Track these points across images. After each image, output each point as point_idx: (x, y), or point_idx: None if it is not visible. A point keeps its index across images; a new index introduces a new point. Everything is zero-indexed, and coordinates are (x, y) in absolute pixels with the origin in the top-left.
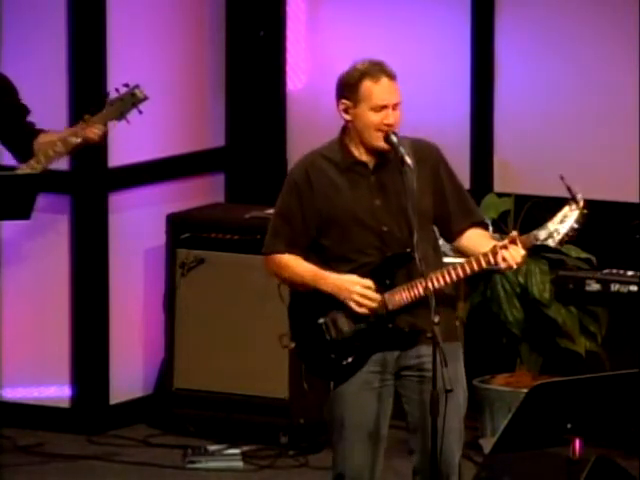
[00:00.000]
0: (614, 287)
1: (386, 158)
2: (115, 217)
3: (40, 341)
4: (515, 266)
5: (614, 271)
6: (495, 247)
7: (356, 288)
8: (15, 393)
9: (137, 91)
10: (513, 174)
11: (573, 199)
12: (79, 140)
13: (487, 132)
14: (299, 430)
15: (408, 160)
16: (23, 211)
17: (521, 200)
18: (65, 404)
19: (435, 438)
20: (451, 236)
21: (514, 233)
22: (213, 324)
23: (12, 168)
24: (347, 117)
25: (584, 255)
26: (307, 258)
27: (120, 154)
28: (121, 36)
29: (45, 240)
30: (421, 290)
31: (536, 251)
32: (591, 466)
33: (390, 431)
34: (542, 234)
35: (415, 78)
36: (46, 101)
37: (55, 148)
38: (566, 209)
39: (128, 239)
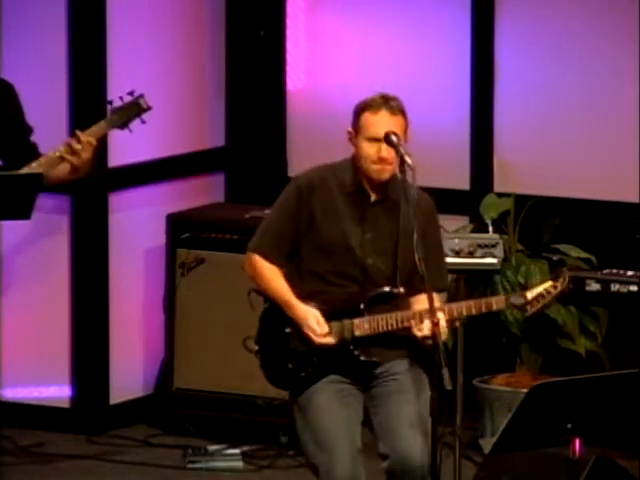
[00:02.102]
0: (614, 287)
1: (387, 194)
2: (115, 217)
3: (40, 341)
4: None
5: (614, 271)
6: (422, 315)
7: (311, 324)
8: (15, 393)
9: (141, 101)
10: (513, 174)
11: (559, 278)
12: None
13: (487, 132)
14: None
15: (408, 160)
16: (23, 211)
17: (521, 200)
18: (65, 404)
19: (435, 439)
20: (411, 290)
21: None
22: (213, 324)
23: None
24: (352, 145)
25: (584, 255)
26: (285, 265)
27: (120, 154)
28: (121, 37)
29: (45, 240)
30: (387, 326)
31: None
32: (591, 466)
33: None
34: (519, 301)
35: (415, 78)
36: (46, 104)
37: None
38: (549, 285)
39: (128, 239)
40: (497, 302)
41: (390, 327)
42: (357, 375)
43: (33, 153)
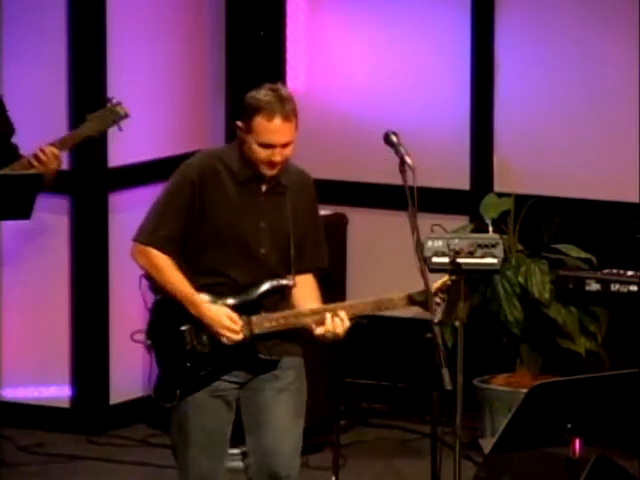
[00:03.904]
0: (614, 287)
1: (278, 181)
2: (115, 217)
3: (40, 341)
4: (331, 336)
5: (614, 271)
6: (324, 312)
7: (223, 331)
8: (15, 393)
9: (119, 108)
10: (513, 174)
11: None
12: (33, 162)
13: (487, 132)
14: None
15: (408, 160)
16: (23, 211)
17: (521, 200)
18: (65, 404)
19: (435, 439)
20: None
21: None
22: None
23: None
24: (239, 137)
25: (584, 255)
26: (177, 256)
27: (120, 154)
28: (121, 36)
29: (45, 240)
30: (286, 324)
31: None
32: (591, 466)
33: (389, 431)
34: (420, 297)
35: (415, 77)
36: (46, 103)
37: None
38: (447, 279)
39: (128, 239)
40: (399, 300)
41: (290, 325)
42: (256, 371)
43: (13, 155)
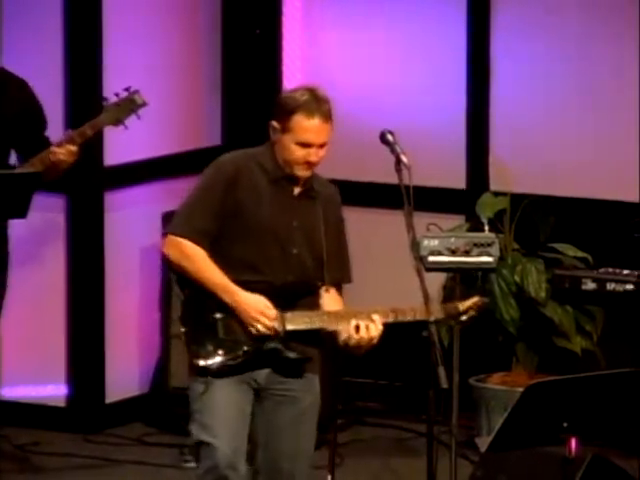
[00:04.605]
0: (610, 286)
1: (311, 185)
2: (111, 216)
3: (36, 340)
4: (366, 342)
5: (610, 270)
6: (359, 315)
7: (258, 317)
8: (11, 392)
9: (136, 96)
10: (509, 173)
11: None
12: (52, 160)
13: (483, 131)
14: None
15: (404, 159)
16: (19, 210)
17: (517, 199)
18: (61, 403)
19: (431, 438)
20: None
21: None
22: None
23: (8, 167)
24: (273, 138)
25: (580, 254)
26: (210, 251)
27: (116, 153)
28: (117, 35)
29: (41, 239)
30: (321, 323)
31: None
32: (587, 465)
33: (385, 430)
34: (454, 311)
35: (411, 77)
36: (43, 99)
37: (33, 167)
38: (478, 300)
39: (124, 238)
40: (434, 310)
41: (324, 325)
42: (283, 371)
43: (46, 148)
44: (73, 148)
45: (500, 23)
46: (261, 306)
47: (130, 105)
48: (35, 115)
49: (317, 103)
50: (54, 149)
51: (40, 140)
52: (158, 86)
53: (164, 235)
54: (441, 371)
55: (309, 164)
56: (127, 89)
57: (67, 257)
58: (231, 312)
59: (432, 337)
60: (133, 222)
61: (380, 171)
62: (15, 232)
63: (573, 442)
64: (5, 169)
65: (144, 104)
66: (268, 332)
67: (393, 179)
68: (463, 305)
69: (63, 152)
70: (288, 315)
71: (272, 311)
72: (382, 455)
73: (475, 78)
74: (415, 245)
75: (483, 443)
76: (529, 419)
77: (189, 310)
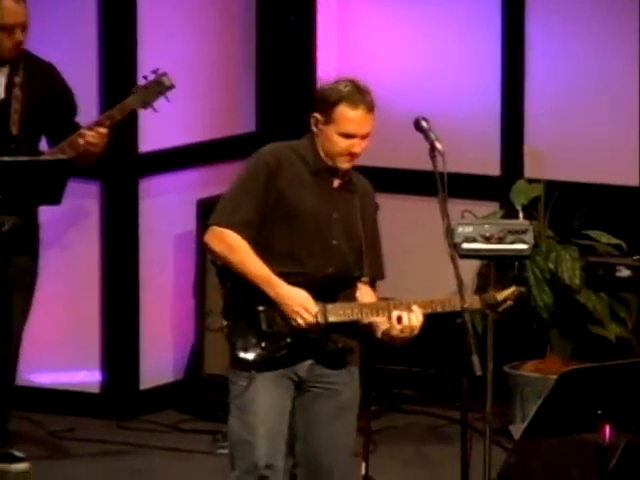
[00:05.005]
0: None
1: (350, 178)
2: (145, 203)
3: (71, 326)
4: (408, 333)
5: None
6: (400, 306)
7: (300, 310)
8: (45, 378)
9: (164, 79)
10: (543, 160)
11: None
12: (81, 143)
13: (518, 117)
14: None
15: (439, 146)
16: (54, 196)
17: (551, 186)
18: (95, 389)
19: (465, 425)
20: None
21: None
22: None
23: (38, 153)
24: (315, 130)
25: (614, 241)
26: (252, 243)
27: (151, 140)
28: (152, 22)
29: (75, 226)
30: (361, 315)
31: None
32: (621, 452)
33: (419, 417)
34: (492, 300)
35: (445, 63)
36: (77, 85)
37: (63, 152)
38: (515, 289)
39: (158, 225)
40: (471, 301)
41: (365, 316)
42: (326, 362)
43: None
44: (103, 130)
45: (535, 7)
46: (303, 300)
47: (158, 87)
48: (64, 100)
49: (360, 94)
50: (83, 131)
51: (70, 125)
52: (193, 73)
53: (207, 226)
54: (475, 359)
55: (352, 155)
56: (155, 71)
57: (101, 244)
58: (273, 304)
59: (466, 325)
60: (167, 209)
61: (414, 158)
62: (49, 218)
63: (607, 429)
64: (35, 155)
65: (172, 86)
66: (308, 326)
67: (427, 166)
68: (501, 295)
69: (92, 134)
70: (329, 307)
71: (313, 305)
72: (416, 442)
73: (510, 64)
74: (449, 232)
75: (517, 430)
76: (563, 406)
77: (231, 303)
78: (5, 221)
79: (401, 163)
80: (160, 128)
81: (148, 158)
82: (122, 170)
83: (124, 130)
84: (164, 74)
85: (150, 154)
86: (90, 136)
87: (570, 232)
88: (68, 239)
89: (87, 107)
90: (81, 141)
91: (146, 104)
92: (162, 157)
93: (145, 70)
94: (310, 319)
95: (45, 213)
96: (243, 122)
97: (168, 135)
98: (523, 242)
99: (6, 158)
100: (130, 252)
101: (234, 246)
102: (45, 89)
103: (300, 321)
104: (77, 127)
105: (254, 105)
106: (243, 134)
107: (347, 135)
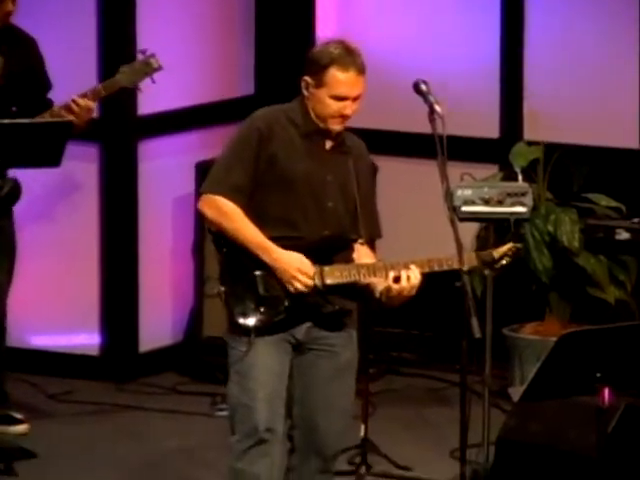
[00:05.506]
0: None
1: (343, 139)
2: (144, 165)
3: (70, 289)
4: (407, 291)
5: None
6: (397, 266)
7: (297, 274)
8: (45, 341)
9: (152, 60)
10: (543, 122)
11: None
12: (71, 109)
13: (517, 79)
14: None
15: (438, 108)
16: (53, 158)
17: (551, 148)
18: (94, 352)
19: (464, 388)
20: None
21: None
22: None
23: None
24: (306, 93)
25: (614, 204)
26: (246, 208)
27: (150, 102)
28: None
29: (74, 188)
30: (359, 276)
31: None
32: (620, 414)
33: (418, 380)
34: (489, 257)
35: (444, 25)
36: (76, 55)
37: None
38: (512, 246)
39: (157, 187)
40: (468, 259)
41: (362, 277)
42: (324, 324)
43: (47, 110)
44: (90, 103)
45: None
46: (300, 263)
47: (145, 68)
48: (39, 73)
49: (351, 56)
50: (76, 98)
51: (42, 100)
52: (192, 35)
53: (200, 194)
54: (474, 321)
55: (343, 117)
56: (143, 52)
57: (100, 206)
58: (270, 269)
59: (465, 287)
60: (166, 172)
61: (413, 121)
62: (49, 180)
63: (606, 392)
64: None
65: (159, 68)
66: (306, 290)
67: (427, 129)
68: (497, 252)
69: (80, 105)
70: (326, 269)
71: (310, 268)
72: (415, 405)
73: (509, 26)
74: (449, 195)
75: (516, 393)
76: (562, 369)
77: (228, 269)
78: (4, 184)
79: (400, 126)
80: (159, 91)
81: (147, 120)
82: (121, 132)
83: (123, 93)
84: (152, 55)
85: (149, 117)
86: (80, 103)
87: (569, 195)
88: (67, 202)
89: (87, 77)
90: (72, 106)
91: (133, 83)
92: (161, 120)
93: (145, 33)
94: (308, 282)
95: (44, 175)
96: (242, 85)
97: (167, 98)
98: (522, 205)
99: (6, 120)
100: (129, 215)
101: (227, 213)
102: (24, 60)
103: (298, 285)
104: (50, 103)
105: (253, 68)
106: (242, 97)
107: (338, 98)
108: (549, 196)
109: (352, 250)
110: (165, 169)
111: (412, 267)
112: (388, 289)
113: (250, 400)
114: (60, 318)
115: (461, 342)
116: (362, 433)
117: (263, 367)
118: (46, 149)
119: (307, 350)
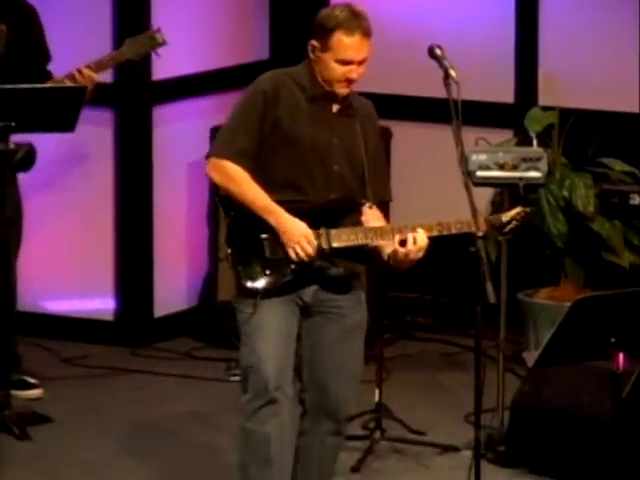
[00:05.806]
0: None
1: (350, 102)
2: (159, 130)
3: (85, 254)
4: (414, 254)
5: None
6: (405, 229)
7: (300, 240)
8: (60, 306)
9: (157, 35)
10: (558, 87)
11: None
12: (76, 78)
13: (532, 44)
14: None
15: (453, 73)
16: (67, 123)
17: (566, 113)
18: (109, 317)
19: (479, 352)
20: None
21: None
22: None
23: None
24: (312, 57)
25: (628, 168)
26: (252, 172)
27: (164, 67)
28: None
29: (89, 153)
30: (365, 239)
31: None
32: (635, 379)
33: (433, 345)
34: (498, 222)
35: None
36: (90, 25)
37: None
38: (520, 210)
39: (172, 152)
40: (478, 224)
41: (369, 240)
42: (332, 286)
43: (47, 81)
44: (93, 74)
45: None
46: (303, 230)
47: (150, 42)
48: (39, 41)
49: (357, 20)
50: (80, 67)
51: (42, 71)
52: (207, 0)
53: (207, 157)
54: (489, 286)
55: (349, 81)
56: (149, 26)
57: (115, 171)
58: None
59: (479, 252)
60: (181, 136)
61: (428, 85)
62: (63, 145)
63: (621, 357)
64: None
65: (164, 43)
66: (306, 259)
67: (442, 93)
68: (506, 216)
69: (84, 74)
70: (333, 232)
71: (313, 239)
72: (429, 370)
73: None
74: (463, 160)
75: (530, 358)
76: (577, 334)
77: (234, 232)
78: (19, 149)
79: (415, 90)
80: (174, 55)
81: (162, 85)
82: (136, 97)
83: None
84: (158, 30)
85: (164, 81)
86: (84, 71)
87: (584, 160)
88: (82, 167)
89: (101, 47)
90: (77, 75)
91: (138, 56)
92: (176, 84)
93: (160, 4)
94: (309, 250)
95: (59, 140)
96: (256, 49)
97: (181, 62)
98: (537, 170)
99: (22, 85)
100: (144, 179)
101: (234, 176)
102: (27, 29)
103: (299, 250)
104: (49, 75)
105: (267, 32)
106: (256, 61)
107: (344, 61)
108: (564, 161)
109: (360, 213)
110: (180, 134)
111: (419, 230)
112: (395, 252)
113: (258, 360)
114: (75, 283)
115: (476, 307)
116: (376, 398)
117: (269, 328)
118: (61, 114)
119: (315, 313)
